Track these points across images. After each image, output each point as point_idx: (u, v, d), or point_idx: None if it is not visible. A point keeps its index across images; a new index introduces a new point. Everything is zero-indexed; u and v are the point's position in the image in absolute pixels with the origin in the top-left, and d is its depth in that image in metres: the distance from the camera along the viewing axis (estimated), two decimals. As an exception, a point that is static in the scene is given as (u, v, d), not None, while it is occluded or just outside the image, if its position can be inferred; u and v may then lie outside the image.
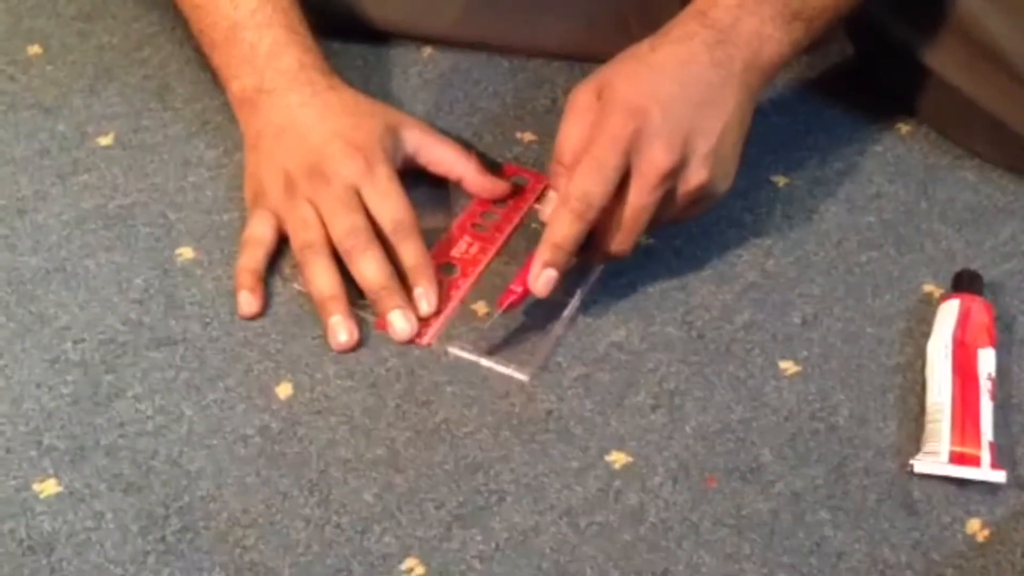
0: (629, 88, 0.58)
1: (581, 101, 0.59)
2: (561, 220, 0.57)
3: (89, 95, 0.72)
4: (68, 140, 0.70)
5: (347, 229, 0.61)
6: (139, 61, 0.74)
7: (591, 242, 0.59)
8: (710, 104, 0.58)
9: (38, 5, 0.78)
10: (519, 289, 0.59)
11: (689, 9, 0.60)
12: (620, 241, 0.59)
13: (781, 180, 0.69)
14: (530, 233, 0.65)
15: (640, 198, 0.57)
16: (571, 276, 0.63)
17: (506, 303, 0.59)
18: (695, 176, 0.58)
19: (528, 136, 0.71)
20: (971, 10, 0.66)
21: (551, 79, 0.74)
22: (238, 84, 0.66)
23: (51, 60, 0.74)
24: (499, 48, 0.74)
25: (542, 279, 0.58)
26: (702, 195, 0.59)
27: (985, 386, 0.58)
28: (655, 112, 0.57)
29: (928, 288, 0.64)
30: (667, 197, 0.58)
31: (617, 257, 0.60)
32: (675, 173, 0.57)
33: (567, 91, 0.72)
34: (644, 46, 0.60)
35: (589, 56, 0.73)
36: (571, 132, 0.59)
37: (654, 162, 0.57)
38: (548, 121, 0.71)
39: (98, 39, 0.76)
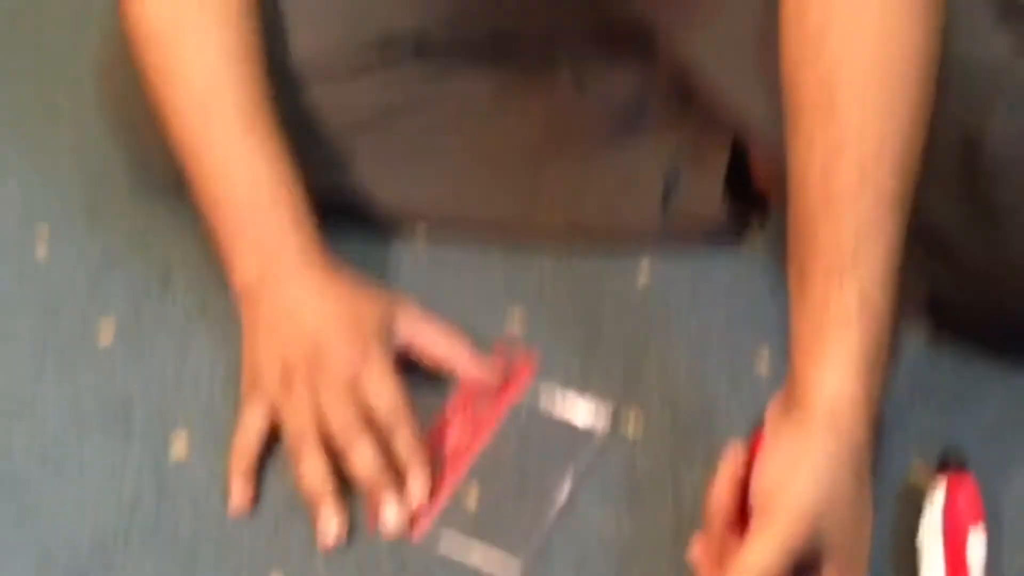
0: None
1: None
2: None
3: (93, 284, 0.74)
4: (69, 328, 0.71)
5: (343, 423, 0.62)
6: (143, 248, 0.76)
7: None
8: None
9: (46, 197, 0.81)
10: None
11: None
12: None
13: (764, 367, 0.70)
14: (521, 417, 0.66)
15: None
16: (560, 462, 0.63)
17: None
18: None
19: (518, 317, 0.72)
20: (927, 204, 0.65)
21: (540, 265, 0.76)
22: (240, 275, 0.67)
23: (55, 249, 0.77)
24: (495, 225, 0.76)
25: None
26: None
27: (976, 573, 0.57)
28: None
29: (915, 467, 0.64)
30: None
31: None
32: None
33: (555, 275, 0.75)
34: None
35: (588, 231, 0.75)
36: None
37: None
38: (537, 304, 0.73)
39: (104, 228, 0.78)
